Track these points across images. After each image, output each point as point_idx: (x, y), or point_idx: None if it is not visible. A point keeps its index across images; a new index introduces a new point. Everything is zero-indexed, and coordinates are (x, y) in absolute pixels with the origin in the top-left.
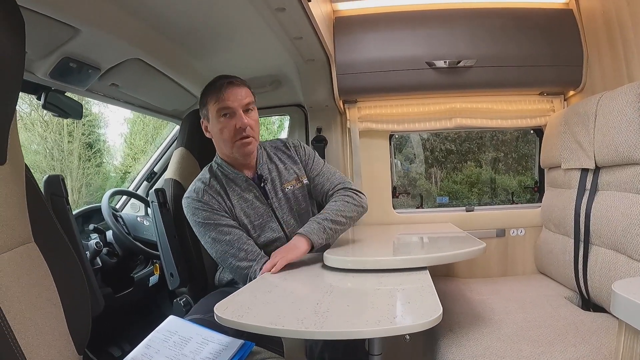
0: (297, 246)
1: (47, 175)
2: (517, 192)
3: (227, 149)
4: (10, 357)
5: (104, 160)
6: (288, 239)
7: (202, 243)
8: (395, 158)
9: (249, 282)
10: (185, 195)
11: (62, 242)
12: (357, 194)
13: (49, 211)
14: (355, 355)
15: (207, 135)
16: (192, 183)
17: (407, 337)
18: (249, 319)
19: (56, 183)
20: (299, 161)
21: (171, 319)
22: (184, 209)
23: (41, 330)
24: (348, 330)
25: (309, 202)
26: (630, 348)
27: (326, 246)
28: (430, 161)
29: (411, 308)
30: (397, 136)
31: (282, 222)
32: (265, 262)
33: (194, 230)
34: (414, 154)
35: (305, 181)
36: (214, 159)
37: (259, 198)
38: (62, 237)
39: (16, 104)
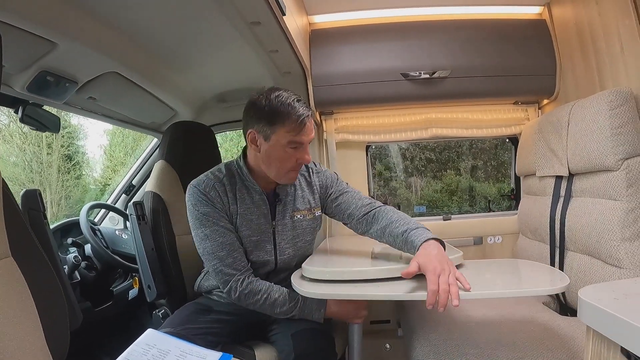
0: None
1: (25, 190)
2: (496, 200)
3: (272, 171)
4: None
5: (84, 173)
6: (277, 265)
7: (193, 235)
8: (373, 168)
9: (231, 290)
10: (192, 183)
11: (40, 257)
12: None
13: (27, 226)
14: None
15: (253, 148)
16: (205, 173)
17: (388, 346)
18: None
19: (33, 197)
20: (317, 190)
21: (149, 332)
22: (187, 195)
23: (19, 345)
24: None
25: (312, 235)
26: (598, 353)
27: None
28: (410, 170)
29: None
30: (374, 147)
31: (277, 247)
32: (250, 275)
33: (189, 219)
34: (394, 164)
35: (317, 213)
36: (236, 160)
37: (265, 216)
38: (40, 252)
39: None
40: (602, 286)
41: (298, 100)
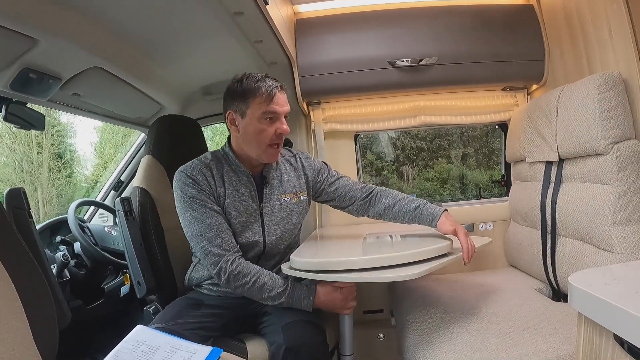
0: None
1: (9, 189)
2: (487, 187)
3: (253, 149)
4: None
5: (75, 171)
6: (265, 245)
7: (181, 220)
8: (364, 157)
9: (221, 271)
10: (179, 169)
11: (26, 256)
12: None
13: (11, 225)
14: None
15: (233, 130)
16: (192, 160)
17: (381, 335)
18: None
19: (18, 196)
20: (302, 175)
21: (139, 329)
22: (174, 181)
23: (5, 345)
24: None
25: (301, 219)
26: (589, 339)
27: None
28: (401, 159)
29: None
30: (363, 136)
31: (265, 228)
32: (240, 257)
33: (177, 205)
34: (384, 153)
35: (302, 197)
36: (222, 147)
37: (253, 197)
38: (26, 251)
39: None
40: (592, 271)
41: (267, 77)
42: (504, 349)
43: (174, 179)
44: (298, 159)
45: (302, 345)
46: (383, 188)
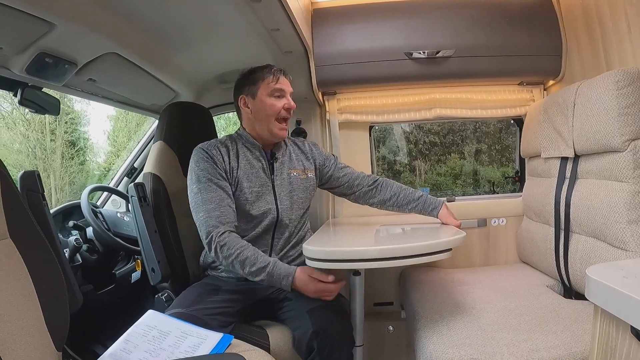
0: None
1: (23, 171)
2: (499, 184)
3: (264, 125)
4: None
5: (87, 158)
6: (279, 213)
7: (189, 193)
8: (377, 151)
9: (211, 242)
10: (197, 146)
11: (39, 238)
12: None
13: (25, 207)
14: (344, 345)
15: (245, 112)
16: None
17: (391, 328)
18: None
19: (32, 179)
20: (310, 158)
21: (150, 314)
22: (191, 157)
23: (17, 326)
24: None
25: (308, 195)
26: (606, 333)
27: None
28: (414, 154)
29: None
30: (377, 128)
31: (277, 198)
32: (232, 232)
33: (188, 178)
34: (398, 147)
35: (309, 174)
36: (236, 131)
37: (264, 170)
38: (39, 233)
39: None
40: (609, 265)
41: (270, 65)
42: (515, 344)
43: (192, 155)
44: (307, 144)
45: (328, 328)
46: (387, 179)
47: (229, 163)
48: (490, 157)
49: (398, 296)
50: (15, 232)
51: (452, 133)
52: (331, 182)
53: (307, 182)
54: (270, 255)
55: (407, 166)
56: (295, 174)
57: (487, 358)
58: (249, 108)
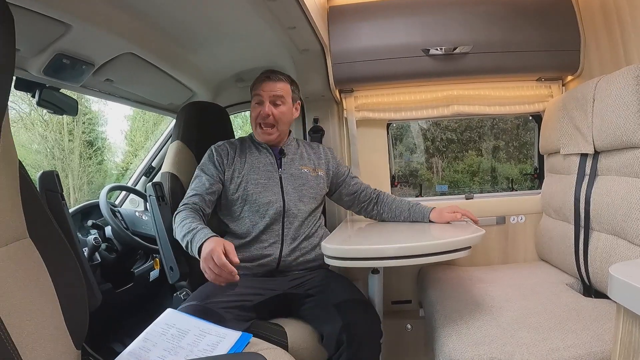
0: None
1: (42, 171)
2: (517, 180)
3: (253, 128)
4: (3, 353)
5: (105, 158)
6: (285, 203)
7: None
8: (395, 148)
9: (174, 214)
10: (211, 146)
11: (58, 237)
12: None
13: (44, 207)
14: (373, 336)
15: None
16: None
17: (409, 326)
18: None
19: (51, 178)
20: (323, 159)
21: (169, 312)
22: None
23: (37, 325)
24: None
25: (319, 192)
26: (629, 332)
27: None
28: (431, 151)
29: None
30: (395, 125)
31: (284, 190)
32: (192, 208)
33: None
34: (415, 144)
35: (320, 173)
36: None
37: (272, 164)
38: (58, 232)
39: (7, 100)
40: (633, 263)
41: (266, 71)
42: (534, 344)
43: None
44: (322, 148)
45: (357, 321)
46: (384, 192)
47: (234, 157)
48: (508, 154)
49: (416, 294)
50: (34, 231)
51: (470, 130)
52: (340, 190)
53: (316, 179)
54: (281, 247)
55: (425, 163)
56: (305, 170)
57: (506, 357)
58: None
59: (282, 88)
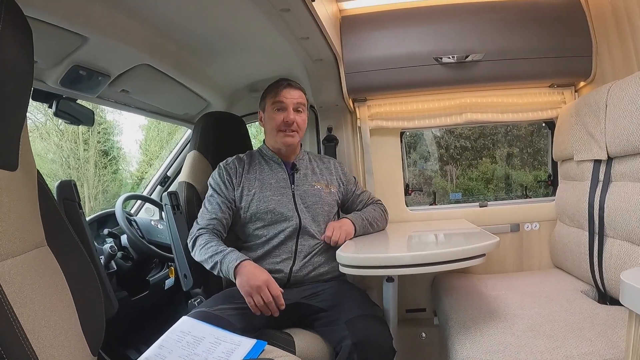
0: (349, 227)
1: (60, 181)
2: (532, 187)
3: (272, 137)
4: (22, 358)
5: (120, 167)
6: (300, 220)
7: None
8: (408, 156)
9: (191, 238)
10: (220, 163)
11: (75, 245)
12: (386, 211)
13: (62, 215)
14: (385, 357)
15: (261, 124)
16: None
17: (424, 335)
18: None
19: (68, 188)
20: (334, 173)
21: (184, 320)
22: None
23: (54, 332)
24: None
25: (332, 210)
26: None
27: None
28: (445, 159)
29: None
30: (408, 134)
31: (297, 206)
32: (211, 233)
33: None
34: (429, 152)
35: (332, 190)
36: (260, 146)
37: (285, 180)
38: (75, 241)
39: (26, 111)
40: None
41: (282, 79)
42: (549, 351)
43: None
44: (332, 162)
45: (369, 339)
46: (378, 204)
47: (242, 175)
48: (522, 161)
49: (430, 303)
50: (52, 239)
51: (484, 137)
52: (349, 206)
53: (329, 195)
54: (293, 264)
55: (439, 171)
56: (318, 187)
57: None
58: (263, 122)
59: (302, 96)
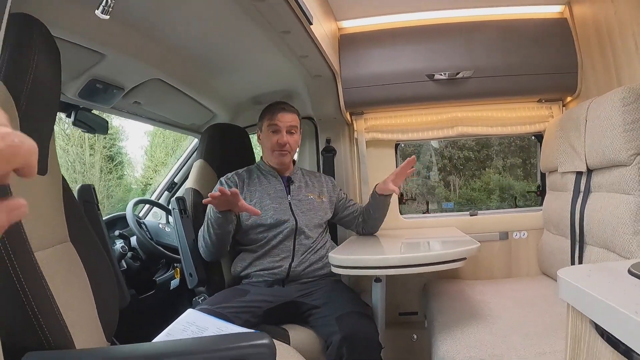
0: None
1: (80, 185)
2: (532, 198)
3: (268, 155)
4: (59, 332)
5: (125, 173)
6: (297, 222)
7: None
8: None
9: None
10: (220, 178)
11: (94, 243)
12: None
13: (82, 215)
14: (372, 349)
15: (259, 142)
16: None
17: (415, 336)
18: None
19: (88, 191)
20: (324, 185)
21: (189, 312)
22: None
23: (78, 315)
24: None
25: (325, 217)
26: (575, 326)
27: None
28: (448, 169)
29: None
30: (403, 145)
31: (294, 211)
32: None
33: None
34: (432, 162)
35: (324, 199)
36: (258, 161)
37: (282, 191)
38: (94, 239)
39: (54, 123)
40: (578, 267)
41: (278, 102)
42: (523, 347)
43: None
44: (323, 177)
45: (356, 334)
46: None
47: (243, 190)
48: (525, 172)
49: (422, 307)
50: (74, 236)
51: (487, 148)
52: (340, 215)
53: (322, 205)
54: (292, 260)
55: (441, 182)
56: (311, 197)
57: (495, 359)
58: (261, 141)
59: (295, 119)
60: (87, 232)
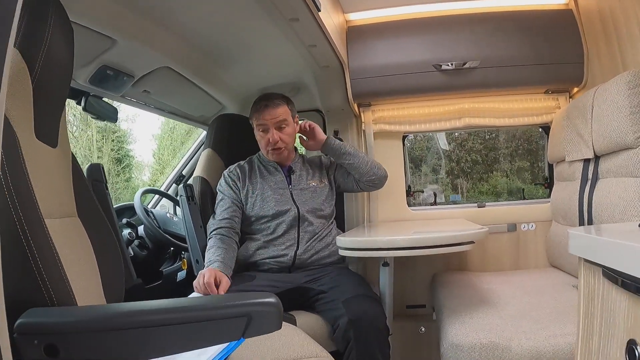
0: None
1: (90, 164)
2: (539, 192)
3: (265, 153)
4: (64, 291)
5: (133, 175)
6: (299, 211)
7: None
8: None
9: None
10: (224, 171)
11: (102, 221)
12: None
13: (91, 192)
14: (380, 332)
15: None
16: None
17: (423, 329)
18: None
19: (97, 170)
20: (323, 167)
21: (194, 295)
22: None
23: (84, 287)
24: None
25: (330, 201)
26: (587, 284)
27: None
28: (456, 172)
29: None
30: (411, 136)
31: (296, 201)
32: (222, 232)
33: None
34: (440, 165)
35: (325, 182)
36: (258, 152)
37: (283, 182)
38: (101, 215)
39: (66, 97)
40: (586, 227)
41: (264, 96)
42: (533, 331)
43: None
44: (321, 157)
45: (364, 317)
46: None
47: (245, 179)
48: (532, 175)
49: (430, 299)
50: (82, 212)
51: (495, 150)
52: (339, 182)
53: (324, 188)
54: (297, 249)
55: (449, 184)
56: (313, 184)
57: (504, 342)
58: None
59: (282, 112)
60: (95, 209)
